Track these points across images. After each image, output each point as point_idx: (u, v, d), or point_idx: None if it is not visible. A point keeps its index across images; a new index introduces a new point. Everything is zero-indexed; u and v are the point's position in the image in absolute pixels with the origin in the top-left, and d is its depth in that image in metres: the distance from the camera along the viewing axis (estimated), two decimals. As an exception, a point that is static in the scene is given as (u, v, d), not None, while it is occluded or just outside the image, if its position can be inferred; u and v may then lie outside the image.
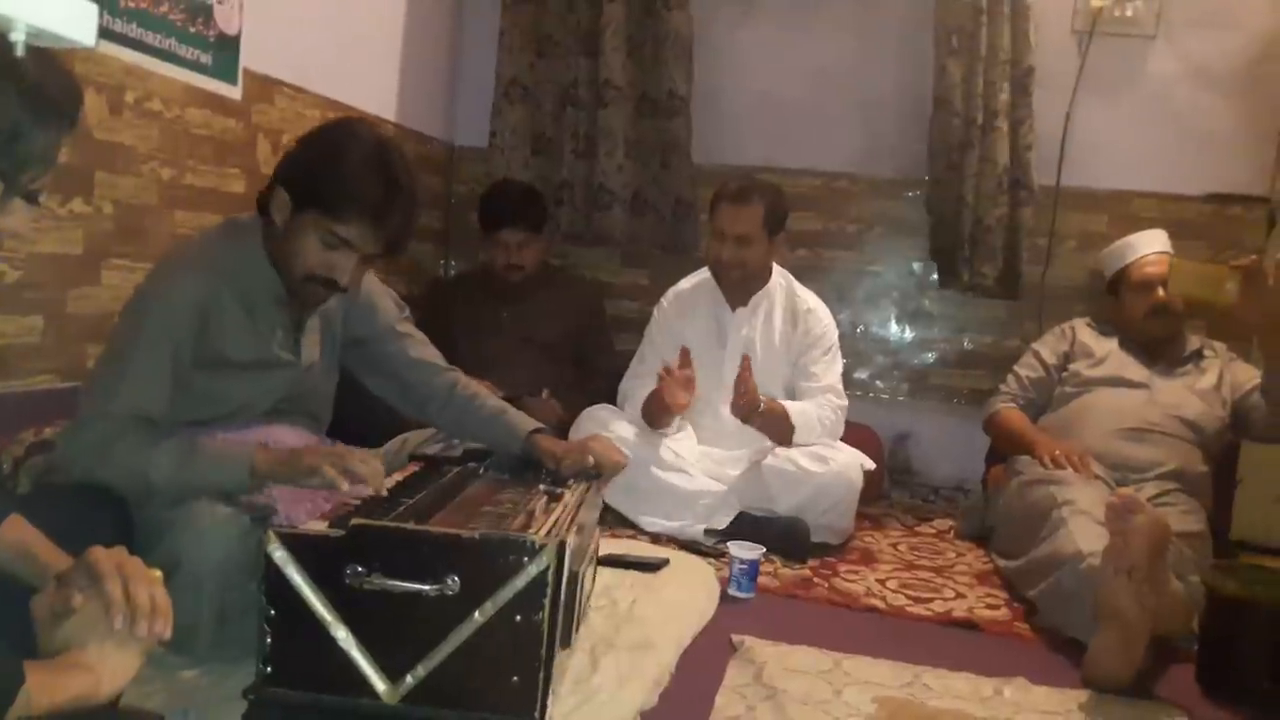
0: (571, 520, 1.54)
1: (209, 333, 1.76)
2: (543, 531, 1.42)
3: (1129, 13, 3.55)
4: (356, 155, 1.74)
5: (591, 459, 1.98)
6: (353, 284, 1.81)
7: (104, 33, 2.16)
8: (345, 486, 1.59)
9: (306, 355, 1.92)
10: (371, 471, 1.62)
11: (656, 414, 2.83)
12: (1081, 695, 1.86)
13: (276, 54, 2.77)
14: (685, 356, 2.75)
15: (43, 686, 1.08)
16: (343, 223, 1.73)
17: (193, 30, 2.44)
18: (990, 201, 3.49)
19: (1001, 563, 2.59)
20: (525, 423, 2.05)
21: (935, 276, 3.71)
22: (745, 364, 2.72)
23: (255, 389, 1.85)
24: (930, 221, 3.62)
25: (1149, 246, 2.87)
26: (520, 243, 3.34)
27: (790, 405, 2.83)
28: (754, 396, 2.71)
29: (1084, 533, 2.17)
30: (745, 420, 2.76)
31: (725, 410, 2.82)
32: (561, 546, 1.34)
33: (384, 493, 1.60)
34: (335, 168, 1.73)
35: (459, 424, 2.08)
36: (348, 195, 1.71)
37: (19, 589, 1.24)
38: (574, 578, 1.60)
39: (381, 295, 2.06)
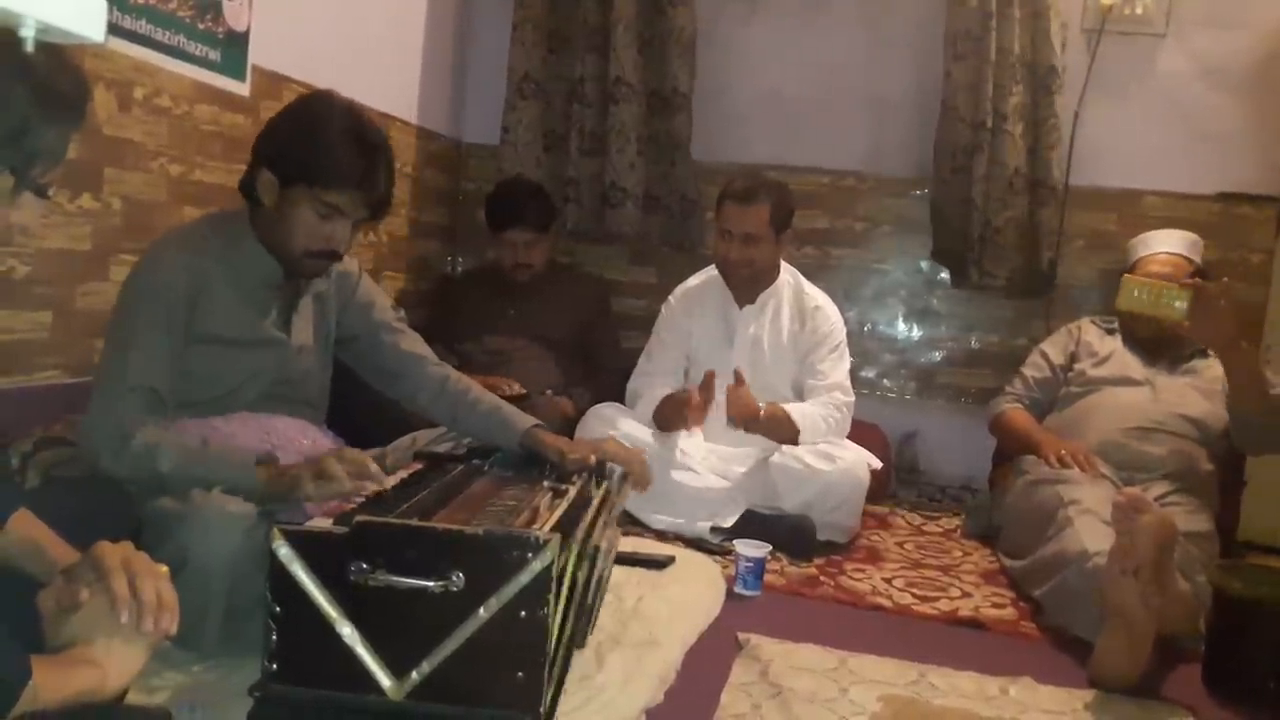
0: (603, 522, 1.54)
1: (200, 311, 1.80)
2: (547, 527, 1.42)
3: (1139, 11, 3.53)
4: (334, 125, 1.82)
5: (594, 457, 1.98)
6: (347, 250, 1.90)
7: (113, 29, 2.17)
8: (312, 491, 1.60)
9: (297, 337, 1.96)
10: (350, 473, 1.61)
11: (669, 421, 2.83)
12: (1087, 695, 1.86)
13: (285, 50, 2.77)
14: (710, 380, 2.73)
15: (49, 681, 1.08)
16: (332, 191, 1.81)
17: (201, 27, 2.45)
18: (1000, 204, 3.48)
19: (1008, 562, 2.59)
20: (522, 419, 2.07)
21: (944, 275, 3.71)
22: (738, 378, 2.71)
23: (247, 367, 1.89)
24: (933, 223, 3.62)
25: (1160, 246, 2.86)
26: (528, 242, 3.35)
27: (792, 408, 2.82)
28: (750, 407, 2.71)
29: (1090, 532, 2.17)
30: (745, 429, 2.76)
31: (731, 410, 2.82)
32: (595, 551, 1.33)
33: (386, 485, 1.59)
34: (316, 140, 1.80)
35: (453, 417, 2.10)
36: (333, 164, 1.79)
37: (26, 583, 1.24)
38: (599, 579, 1.60)
39: (378, 293, 2.13)
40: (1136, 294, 2.51)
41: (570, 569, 1.50)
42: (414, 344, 2.13)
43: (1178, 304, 2.39)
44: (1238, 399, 2.52)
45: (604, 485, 1.89)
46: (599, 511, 1.63)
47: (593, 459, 1.98)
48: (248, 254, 1.87)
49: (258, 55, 2.66)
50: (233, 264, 1.85)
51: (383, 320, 2.10)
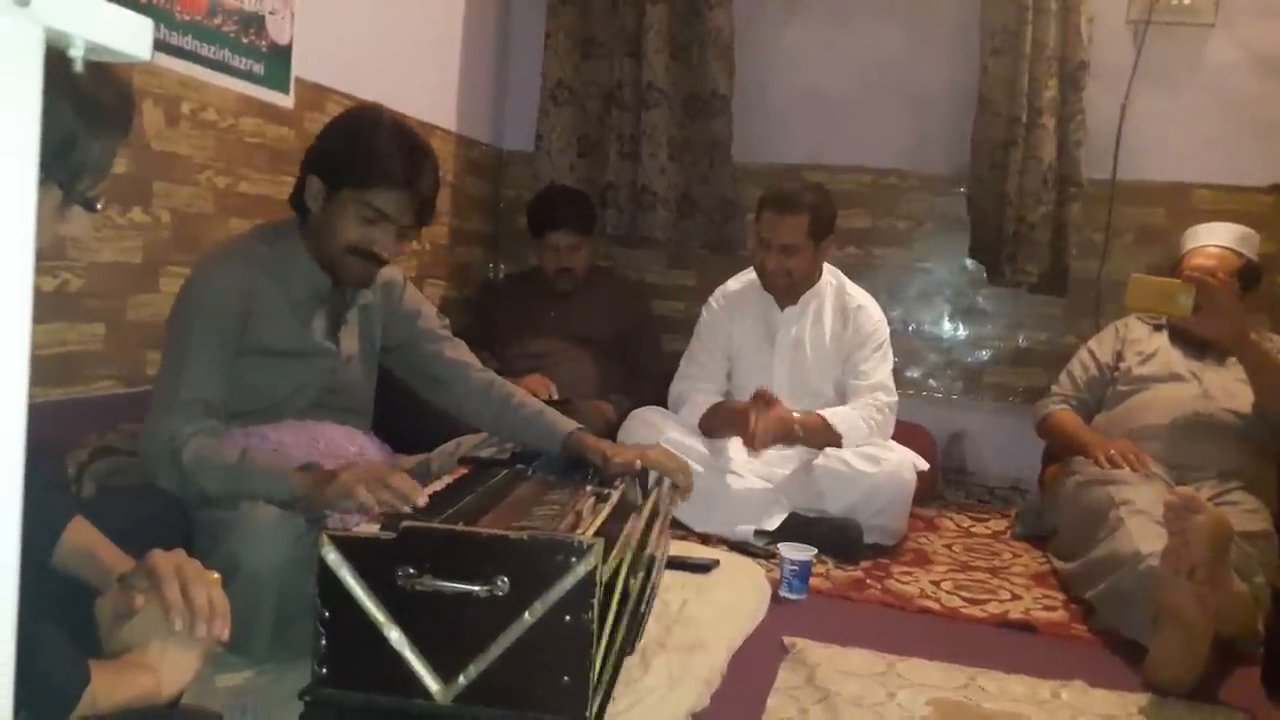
0: (657, 531, 1.54)
1: (252, 323, 1.84)
2: (590, 532, 1.42)
3: (1186, 1, 3.47)
4: (380, 131, 1.85)
5: (639, 462, 1.98)
6: (393, 256, 1.91)
7: (160, 45, 2.21)
8: (376, 509, 1.59)
9: (345, 347, 1.99)
10: (403, 494, 1.60)
11: (718, 429, 2.83)
12: (1142, 698, 1.82)
13: (327, 63, 2.81)
14: (760, 395, 2.73)
15: (107, 686, 1.10)
16: (377, 193, 1.83)
17: (245, 41, 2.49)
18: (1034, 199, 3.44)
19: (1059, 564, 2.55)
20: (565, 423, 2.07)
21: (985, 274, 3.66)
22: (761, 397, 2.69)
23: (297, 378, 1.92)
24: (971, 220, 3.58)
25: (1208, 239, 2.80)
26: (571, 245, 3.37)
27: (829, 413, 2.80)
28: (783, 424, 2.69)
29: (1143, 533, 2.13)
30: (784, 443, 2.74)
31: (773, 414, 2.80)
32: (651, 561, 1.33)
33: (421, 504, 1.58)
34: (362, 145, 1.83)
35: (498, 422, 2.11)
36: (378, 165, 1.82)
37: (83, 590, 1.27)
38: (653, 588, 1.60)
39: (423, 302, 2.15)
40: (1143, 291, 2.53)
41: (623, 577, 1.50)
42: (459, 351, 2.14)
43: (1182, 300, 2.43)
44: (1259, 393, 2.49)
45: (654, 493, 1.89)
46: (652, 520, 1.62)
47: (637, 464, 1.98)
48: (297, 266, 1.90)
49: (301, 68, 2.70)
50: (282, 276, 1.88)
51: (428, 329, 2.12)
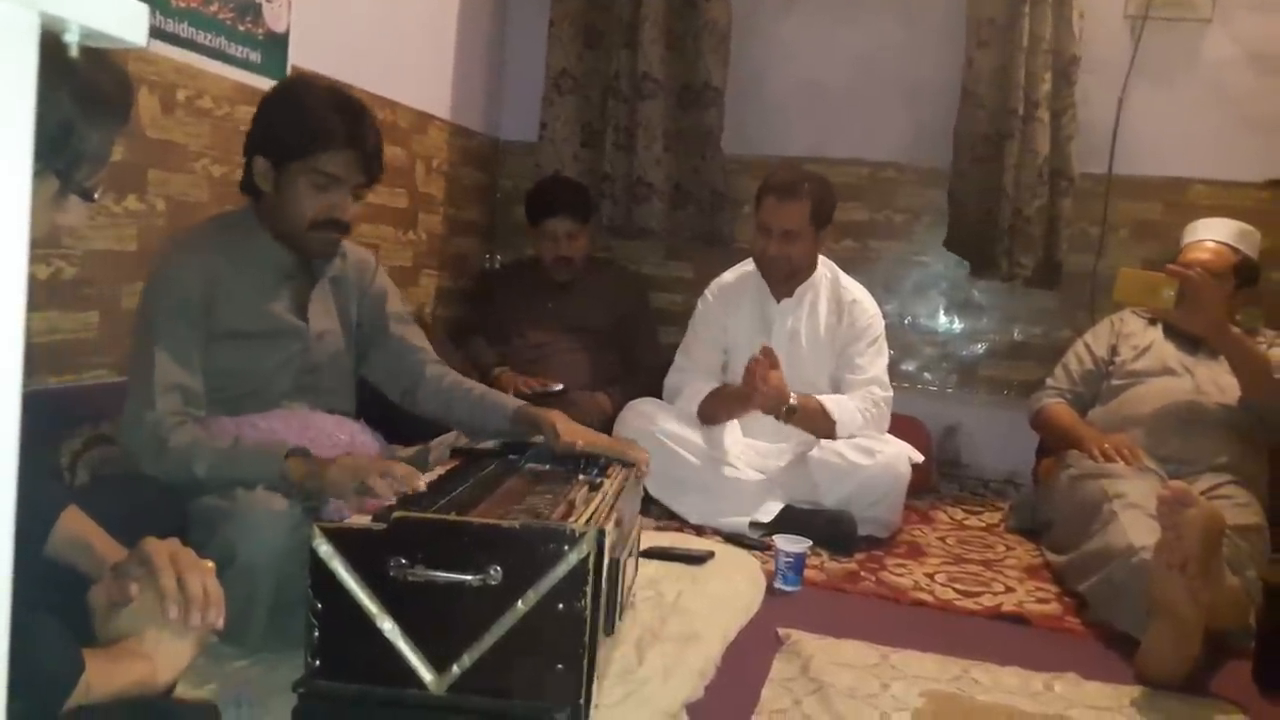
0: (610, 509, 1.55)
1: (216, 308, 1.83)
2: (582, 521, 1.42)
3: (1184, -4, 3.47)
4: (311, 97, 1.87)
5: (581, 444, 1.95)
6: (353, 219, 1.92)
7: (155, 32, 2.20)
8: (390, 494, 1.59)
9: (316, 323, 1.98)
10: (407, 474, 1.62)
11: (720, 412, 2.83)
12: (1134, 691, 1.83)
13: (324, 51, 2.80)
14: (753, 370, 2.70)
15: (101, 674, 1.10)
16: (323, 158, 1.84)
17: (242, 28, 2.48)
18: (1030, 192, 3.44)
19: (1052, 557, 2.56)
20: (511, 400, 2.09)
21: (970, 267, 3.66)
22: (764, 352, 2.67)
23: (272, 359, 1.91)
24: (950, 213, 3.58)
25: (1205, 233, 2.80)
26: (569, 233, 3.36)
27: (826, 399, 2.80)
28: (781, 392, 2.69)
29: (1135, 526, 2.14)
30: (775, 415, 2.74)
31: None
32: (600, 534, 1.35)
33: (422, 488, 1.59)
34: (298, 114, 1.84)
35: (447, 407, 2.11)
36: (319, 130, 1.82)
37: (77, 579, 1.27)
38: (615, 565, 1.60)
39: (393, 289, 2.17)
40: (1130, 285, 2.59)
41: (609, 561, 1.49)
42: (420, 339, 2.17)
43: (1166, 293, 2.50)
44: (1244, 385, 2.52)
45: (618, 473, 1.87)
46: (609, 499, 1.62)
47: (578, 444, 1.94)
48: (257, 246, 1.90)
49: (297, 56, 2.69)
50: (242, 257, 1.88)
51: (396, 312, 2.14)
